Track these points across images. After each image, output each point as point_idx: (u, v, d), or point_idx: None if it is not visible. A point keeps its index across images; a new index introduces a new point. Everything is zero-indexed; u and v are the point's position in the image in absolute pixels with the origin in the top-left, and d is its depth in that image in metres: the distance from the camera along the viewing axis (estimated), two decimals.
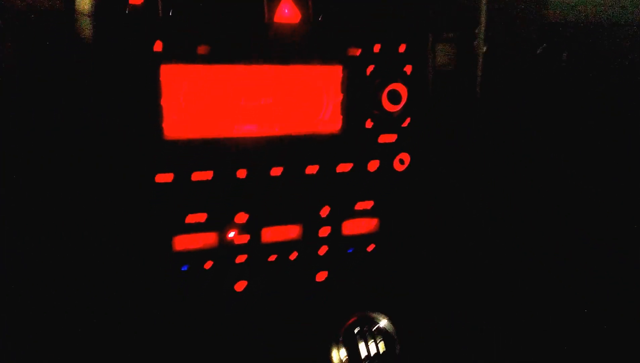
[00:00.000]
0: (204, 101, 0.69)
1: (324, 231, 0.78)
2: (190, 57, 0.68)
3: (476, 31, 0.75)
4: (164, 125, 0.68)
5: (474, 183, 0.81)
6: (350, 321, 0.76)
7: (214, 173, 0.71)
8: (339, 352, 0.74)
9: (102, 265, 0.71)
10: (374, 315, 0.77)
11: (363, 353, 0.74)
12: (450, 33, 0.75)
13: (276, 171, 0.74)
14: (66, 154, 0.67)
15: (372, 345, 0.73)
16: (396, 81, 0.75)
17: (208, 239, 0.74)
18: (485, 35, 0.74)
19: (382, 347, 0.74)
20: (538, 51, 0.79)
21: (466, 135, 0.79)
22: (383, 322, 0.77)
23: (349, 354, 0.74)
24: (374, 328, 0.76)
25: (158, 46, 0.66)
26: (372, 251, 0.81)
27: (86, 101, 0.66)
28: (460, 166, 0.81)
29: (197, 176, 0.71)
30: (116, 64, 0.66)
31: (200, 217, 0.73)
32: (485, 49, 0.75)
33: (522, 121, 0.79)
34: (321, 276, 0.80)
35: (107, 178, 0.69)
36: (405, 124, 0.77)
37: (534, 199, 0.78)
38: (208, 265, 0.75)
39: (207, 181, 0.71)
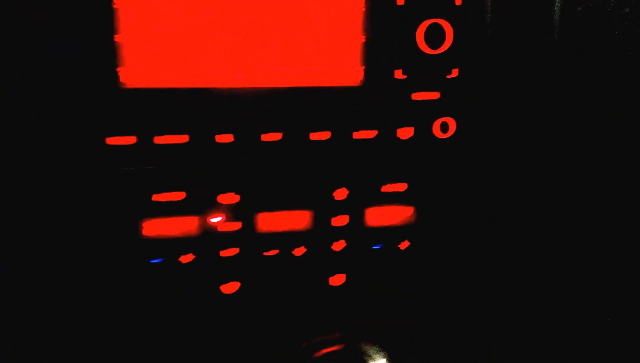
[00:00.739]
0: (174, 37, 0.53)
1: (341, 221, 0.59)
2: None
3: None
4: (120, 69, 0.52)
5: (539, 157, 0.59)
6: (329, 350, 0.56)
7: (189, 137, 0.54)
8: None
9: (55, 251, 0.56)
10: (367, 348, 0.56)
11: None
12: None
13: (273, 137, 0.56)
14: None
15: None
16: (439, 15, 0.55)
17: (186, 225, 0.57)
18: None
19: None
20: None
21: (537, 91, 0.57)
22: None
23: None
24: None
25: None
26: (405, 249, 0.61)
27: (19, 33, 0.51)
28: (526, 136, 0.59)
29: (164, 139, 0.54)
30: None
31: (174, 196, 0.56)
32: None
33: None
34: (336, 280, 0.60)
35: (51, 139, 0.53)
36: (450, 76, 0.57)
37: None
38: (186, 258, 0.57)
39: (179, 146, 0.54)
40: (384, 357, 0.56)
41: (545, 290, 0.63)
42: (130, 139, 0.54)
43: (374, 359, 0.57)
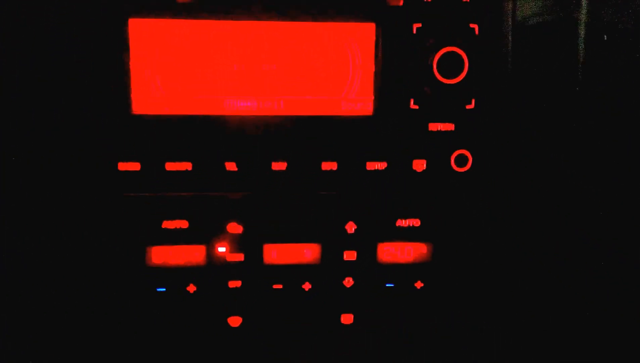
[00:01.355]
0: (185, 67, 0.53)
1: (351, 255, 0.56)
2: (167, 9, 0.52)
3: None
4: (132, 96, 0.53)
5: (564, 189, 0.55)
6: None
7: (193, 164, 0.54)
8: None
9: (63, 273, 0.56)
10: None
11: None
12: None
13: (280, 166, 0.54)
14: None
15: None
16: (455, 44, 0.53)
17: (193, 254, 0.56)
18: None
19: None
20: None
21: (557, 124, 0.54)
22: None
23: None
24: None
25: None
26: (420, 289, 0.57)
27: (36, 62, 0.53)
28: (548, 169, 0.55)
29: (174, 166, 0.54)
30: (73, 14, 0.51)
31: (181, 223, 0.55)
32: None
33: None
34: (346, 318, 0.58)
35: (62, 164, 0.54)
36: (468, 106, 0.54)
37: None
38: (192, 287, 0.56)
39: (186, 172, 0.54)
40: None
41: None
42: (140, 165, 0.54)
43: None
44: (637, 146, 0.55)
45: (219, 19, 0.52)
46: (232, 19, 0.52)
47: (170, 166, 0.54)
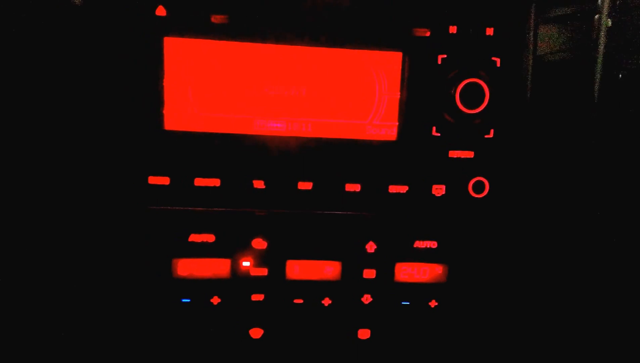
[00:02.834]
0: (217, 86, 0.55)
1: (370, 274, 0.59)
2: (202, 29, 0.54)
3: (598, 1, 0.53)
4: (164, 112, 0.54)
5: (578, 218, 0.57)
6: None
7: (221, 181, 0.55)
8: None
9: (88, 284, 0.57)
10: None
11: None
12: (560, 9, 0.54)
13: (306, 186, 0.56)
14: (42, 143, 0.55)
15: None
16: (477, 75, 0.55)
17: (218, 267, 0.58)
18: (611, 6, 0.52)
19: None
20: None
21: (579, 152, 0.56)
22: None
23: None
24: None
25: (161, 11, 0.53)
26: (434, 308, 0.59)
27: (69, 78, 0.54)
28: (565, 198, 0.57)
29: (202, 181, 0.55)
30: (108, 32, 0.53)
31: (207, 237, 0.57)
32: (609, 22, 0.52)
33: None
34: (363, 333, 0.60)
35: (93, 177, 0.55)
36: (487, 136, 0.57)
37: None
38: (216, 299, 0.58)
39: (214, 188, 0.56)
40: None
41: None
42: (170, 180, 0.56)
43: None
44: None
45: (252, 41, 0.54)
46: (264, 42, 0.54)
47: (199, 182, 0.56)
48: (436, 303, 0.59)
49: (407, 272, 0.59)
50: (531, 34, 0.55)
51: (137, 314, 0.58)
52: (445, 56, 0.55)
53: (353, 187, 0.57)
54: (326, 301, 0.59)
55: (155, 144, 0.55)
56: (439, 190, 0.57)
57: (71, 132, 0.54)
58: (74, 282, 0.57)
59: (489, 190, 0.57)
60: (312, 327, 0.59)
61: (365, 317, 0.60)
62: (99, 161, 0.54)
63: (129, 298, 0.57)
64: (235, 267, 0.58)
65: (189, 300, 0.58)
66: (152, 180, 0.55)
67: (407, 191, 0.57)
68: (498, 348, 0.60)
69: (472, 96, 0.55)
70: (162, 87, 0.54)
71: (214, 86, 0.54)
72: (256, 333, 0.59)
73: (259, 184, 0.56)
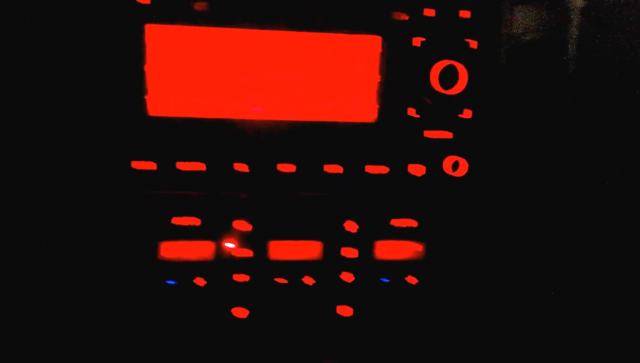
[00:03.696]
0: (199, 72, 0.55)
1: (350, 252, 0.60)
2: (183, 16, 0.54)
3: None
4: (147, 98, 0.55)
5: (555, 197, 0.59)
6: None
7: (205, 165, 0.56)
8: None
9: (76, 265, 0.58)
10: None
11: None
12: None
13: (287, 168, 0.58)
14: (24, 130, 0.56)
15: None
16: (454, 58, 0.56)
17: (203, 249, 0.59)
18: None
19: None
20: None
21: (553, 132, 0.58)
22: None
23: None
24: None
25: None
26: (414, 285, 0.61)
27: (52, 66, 0.55)
28: (542, 178, 0.59)
29: (186, 166, 0.57)
30: (90, 18, 0.54)
31: (192, 220, 0.58)
32: (584, 2, 0.53)
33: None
34: (346, 311, 0.61)
35: (77, 163, 0.56)
36: (463, 116, 0.58)
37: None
38: (201, 281, 0.59)
39: (197, 172, 0.57)
40: None
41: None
42: (154, 165, 0.57)
43: None
44: (624, 151, 0.59)
45: (233, 27, 0.55)
46: (245, 27, 0.55)
47: (182, 166, 0.57)
48: (416, 281, 0.61)
49: (387, 250, 0.61)
50: (506, 16, 0.56)
51: (123, 297, 0.59)
52: (423, 39, 0.56)
53: (333, 168, 0.58)
54: (309, 281, 0.61)
55: (138, 130, 0.56)
56: (418, 170, 0.59)
57: (54, 120, 0.55)
58: (59, 266, 0.58)
59: (467, 170, 0.59)
60: (296, 306, 0.61)
61: (347, 295, 0.61)
62: (82, 147, 0.55)
63: (115, 282, 0.59)
64: (219, 249, 0.59)
65: (174, 283, 0.59)
66: (136, 165, 0.56)
67: (386, 172, 0.58)
68: (476, 324, 0.62)
69: (450, 77, 0.57)
70: (144, 74, 0.55)
71: (196, 71, 0.55)
72: (241, 313, 0.61)
73: (241, 167, 0.57)
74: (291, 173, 0.58)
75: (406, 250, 0.61)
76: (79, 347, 0.59)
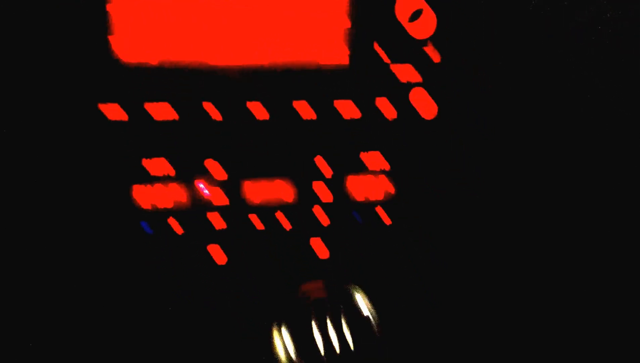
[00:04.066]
0: (166, 12, 0.54)
1: (325, 195, 0.61)
2: None
3: None
4: (111, 41, 0.54)
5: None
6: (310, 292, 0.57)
7: (174, 107, 0.56)
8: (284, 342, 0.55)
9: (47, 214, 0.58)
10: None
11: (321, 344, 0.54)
12: None
13: (259, 111, 0.58)
14: None
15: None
16: (426, 1, 0.57)
17: (177, 194, 0.59)
18: None
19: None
20: None
21: (523, 80, 0.59)
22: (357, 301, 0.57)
23: (300, 347, 0.54)
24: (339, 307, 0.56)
25: None
26: (388, 225, 0.63)
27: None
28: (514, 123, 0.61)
29: (154, 107, 0.56)
30: None
31: (163, 163, 0.58)
32: None
33: None
34: (320, 251, 0.63)
35: (42, 106, 0.55)
36: (435, 58, 0.59)
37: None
38: (178, 229, 0.60)
39: (166, 113, 0.57)
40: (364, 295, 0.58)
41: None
42: (120, 107, 0.56)
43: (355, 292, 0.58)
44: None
45: None
46: None
47: (149, 107, 0.56)
48: (390, 221, 0.63)
49: (361, 192, 0.62)
50: None
51: (98, 247, 0.59)
52: None
53: (305, 113, 0.59)
54: (283, 220, 0.62)
55: (104, 72, 0.55)
56: (389, 113, 0.60)
57: (14, 63, 0.54)
58: (25, 216, 0.57)
59: (438, 113, 0.60)
60: (272, 248, 0.62)
61: (322, 236, 0.63)
62: (48, 91, 0.54)
63: (87, 228, 0.59)
64: (194, 194, 0.60)
65: (148, 227, 0.60)
66: (104, 109, 0.56)
67: (359, 116, 0.59)
68: (447, 263, 0.64)
69: (420, 21, 0.57)
70: (107, 14, 0.54)
71: (163, 12, 0.54)
72: (221, 259, 0.62)
73: (209, 107, 0.57)
74: (263, 115, 0.58)
75: (381, 190, 0.62)
76: (51, 298, 0.60)
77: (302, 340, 0.53)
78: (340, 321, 0.54)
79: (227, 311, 0.62)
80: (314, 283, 0.59)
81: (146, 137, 0.57)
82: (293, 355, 0.52)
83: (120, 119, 0.56)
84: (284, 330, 0.54)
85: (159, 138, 0.57)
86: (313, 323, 0.54)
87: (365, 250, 0.63)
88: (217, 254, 0.61)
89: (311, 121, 0.58)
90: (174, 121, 0.57)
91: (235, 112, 0.58)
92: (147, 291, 0.61)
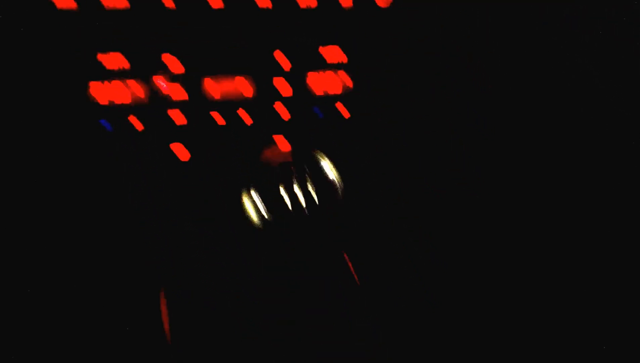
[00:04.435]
0: None
1: (285, 89, 0.61)
2: None
3: None
4: None
5: None
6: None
7: (130, 2, 0.55)
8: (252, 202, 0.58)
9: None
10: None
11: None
12: None
13: (218, 4, 0.57)
14: None
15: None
16: None
17: (134, 90, 0.59)
18: None
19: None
20: None
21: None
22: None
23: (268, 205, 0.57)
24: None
25: None
26: (347, 118, 0.64)
27: None
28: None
29: (111, 2, 0.55)
30: None
31: (119, 57, 0.57)
32: None
33: None
34: (283, 145, 0.64)
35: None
36: None
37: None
38: (139, 125, 0.60)
39: (123, 10, 0.55)
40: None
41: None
42: (76, 4, 0.54)
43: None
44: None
45: None
46: None
47: (106, 2, 0.55)
48: (349, 115, 0.64)
49: (320, 85, 0.62)
50: None
51: (57, 147, 0.59)
52: None
53: (263, 3, 0.58)
54: (245, 116, 0.62)
55: None
56: (346, 2, 0.59)
57: None
58: None
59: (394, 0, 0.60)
60: (233, 144, 0.63)
61: (284, 131, 0.63)
62: None
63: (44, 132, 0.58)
64: (153, 90, 0.59)
65: (108, 125, 0.59)
66: (60, 4, 0.54)
67: (315, 5, 0.59)
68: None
69: None
70: None
71: None
72: (184, 155, 0.62)
73: (168, 3, 0.56)
74: (221, 8, 0.57)
75: (339, 83, 0.63)
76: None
77: (271, 200, 0.55)
78: (306, 183, 0.56)
79: (193, 207, 0.63)
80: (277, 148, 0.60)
81: (99, 29, 0.56)
82: (264, 214, 0.54)
83: (69, 8, 0.54)
84: (253, 192, 0.56)
85: (112, 30, 0.56)
86: (280, 186, 0.55)
87: (327, 146, 0.64)
88: (180, 150, 0.62)
89: (267, 9, 0.58)
90: (125, 9, 0.55)
91: (195, 10, 0.57)
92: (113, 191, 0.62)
